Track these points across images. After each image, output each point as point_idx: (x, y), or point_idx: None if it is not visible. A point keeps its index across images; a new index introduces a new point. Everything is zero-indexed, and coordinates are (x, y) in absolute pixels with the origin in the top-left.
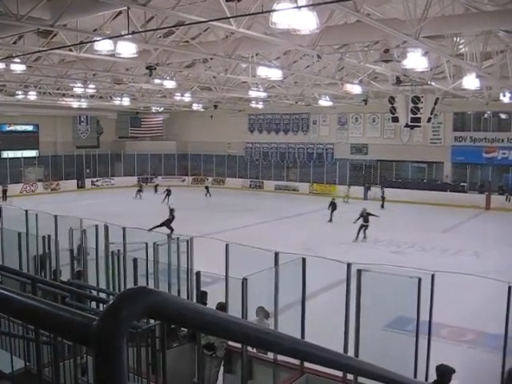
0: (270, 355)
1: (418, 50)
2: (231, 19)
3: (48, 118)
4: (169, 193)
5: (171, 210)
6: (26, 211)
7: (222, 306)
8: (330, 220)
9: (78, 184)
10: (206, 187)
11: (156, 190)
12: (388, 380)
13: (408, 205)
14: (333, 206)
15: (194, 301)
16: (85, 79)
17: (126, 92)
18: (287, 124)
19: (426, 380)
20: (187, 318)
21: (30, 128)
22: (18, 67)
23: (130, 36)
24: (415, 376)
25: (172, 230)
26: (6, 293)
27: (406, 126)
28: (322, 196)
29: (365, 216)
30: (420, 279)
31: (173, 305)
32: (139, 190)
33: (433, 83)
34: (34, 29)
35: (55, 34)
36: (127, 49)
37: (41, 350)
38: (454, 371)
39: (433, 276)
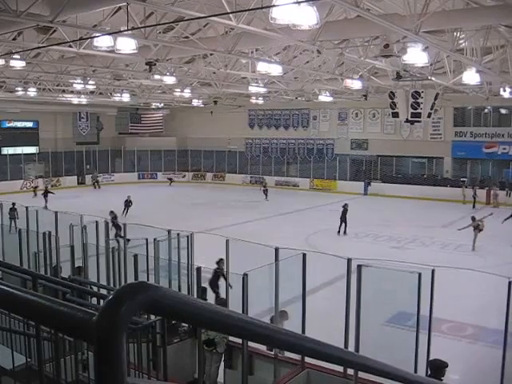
0: (271, 350)
1: (418, 45)
2: (231, 15)
3: (48, 115)
4: (129, 204)
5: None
6: (27, 207)
7: (223, 303)
8: (344, 232)
9: (78, 180)
10: (265, 189)
11: (35, 194)
12: (388, 375)
13: (408, 200)
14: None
15: (195, 296)
16: (84, 75)
17: (126, 88)
18: (287, 119)
19: (427, 375)
20: (187, 314)
21: (29, 124)
22: (17, 63)
23: (129, 32)
24: (415, 371)
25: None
26: (6, 289)
27: (407, 121)
28: (322, 192)
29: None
30: (420, 274)
31: (172, 300)
32: (35, 189)
33: (433, 78)
34: (33, 25)
35: (55, 30)
36: (127, 45)
37: (42, 345)
38: (447, 365)
39: (433, 271)
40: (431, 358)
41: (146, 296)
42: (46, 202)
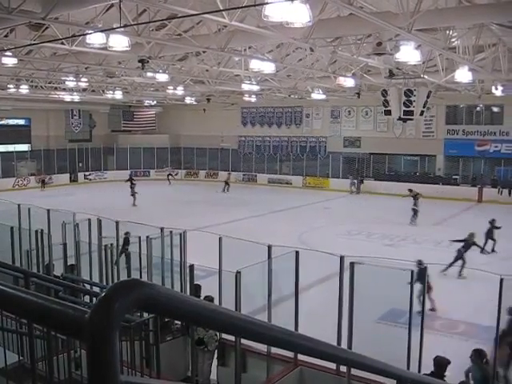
0: (264, 348)
1: (410, 43)
2: (224, 12)
3: (40, 112)
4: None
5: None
6: (19, 205)
7: (210, 300)
8: (492, 249)
9: (70, 178)
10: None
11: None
12: (381, 371)
13: (400, 197)
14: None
15: (188, 294)
16: (77, 72)
17: (119, 85)
18: (280, 117)
19: (419, 371)
20: (180, 311)
21: (21, 122)
22: (9, 60)
23: (122, 29)
24: (408, 368)
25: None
26: None
27: (399, 119)
28: (315, 189)
29: None
30: (413, 272)
31: (165, 297)
32: None
33: (425, 76)
34: (25, 22)
35: (47, 27)
36: (119, 42)
37: (34, 344)
38: (449, 362)
39: (425, 268)
40: (434, 356)
41: (139, 293)
42: (133, 190)
